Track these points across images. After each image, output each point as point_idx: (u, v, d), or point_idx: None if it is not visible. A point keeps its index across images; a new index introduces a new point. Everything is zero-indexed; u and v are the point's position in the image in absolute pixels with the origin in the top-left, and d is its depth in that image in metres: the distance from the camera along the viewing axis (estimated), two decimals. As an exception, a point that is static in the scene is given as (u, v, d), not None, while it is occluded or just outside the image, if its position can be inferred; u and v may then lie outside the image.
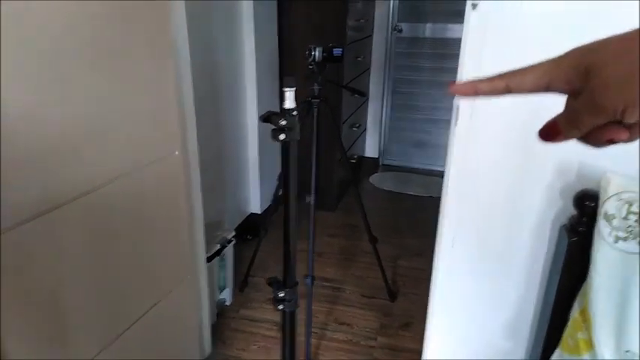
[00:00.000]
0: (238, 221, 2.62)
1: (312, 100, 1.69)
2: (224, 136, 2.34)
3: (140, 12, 1.14)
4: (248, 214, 2.73)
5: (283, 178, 0.74)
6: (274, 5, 2.60)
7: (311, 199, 1.69)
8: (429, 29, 3.42)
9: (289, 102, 0.70)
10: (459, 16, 3.53)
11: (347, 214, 2.98)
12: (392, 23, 3.46)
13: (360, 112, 3.39)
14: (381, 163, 3.79)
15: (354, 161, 3.30)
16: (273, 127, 0.69)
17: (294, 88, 0.70)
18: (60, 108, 0.95)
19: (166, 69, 1.27)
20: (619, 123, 0.31)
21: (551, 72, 0.33)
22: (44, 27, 0.89)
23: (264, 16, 2.49)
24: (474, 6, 1.14)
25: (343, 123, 2.92)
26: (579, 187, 1.02)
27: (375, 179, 3.53)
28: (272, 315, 2.02)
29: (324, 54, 1.61)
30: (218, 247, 1.88)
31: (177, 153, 1.36)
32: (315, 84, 1.68)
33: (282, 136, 0.70)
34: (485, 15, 1.19)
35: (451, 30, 3.34)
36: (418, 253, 2.50)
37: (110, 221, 1.16)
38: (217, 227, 2.05)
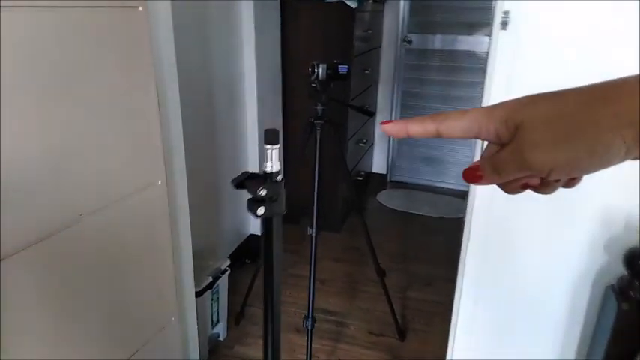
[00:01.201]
0: (236, 243, 2.46)
1: (315, 122, 1.53)
2: (221, 153, 2.18)
3: (115, 29, 0.99)
4: (247, 235, 2.57)
5: (265, 263, 0.57)
6: (277, 15, 2.45)
7: (312, 230, 1.52)
8: (438, 41, 3.27)
9: (273, 164, 0.52)
10: (470, 28, 3.31)
11: (353, 235, 2.81)
12: (401, 34, 3.31)
13: (368, 127, 3.23)
14: (389, 180, 3.62)
15: (360, 179, 3.13)
16: (250, 196, 0.52)
17: (277, 146, 0.53)
18: (24, 138, 0.82)
19: (148, 92, 1.12)
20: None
21: (480, 121, 0.33)
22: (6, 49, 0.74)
23: (267, 25, 2.34)
24: (504, 25, 0.98)
25: (350, 139, 2.76)
26: (628, 242, 0.85)
27: (382, 197, 3.36)
28: (269, 353, 1.84)
29: (329, 71, 1.45)
30: (210, 279, 1.72)
31: (160, 182, 1.20)
32: (319, 104, 1.52)
33: (260, 211, 0.52)
34: (515, 35, 1.03)
35: (462, 42, 3.18)
36: (428, 282, 2.32)
37: (83, 260, 1.01)
38: (210, 255, 1.89)
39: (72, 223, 0.96)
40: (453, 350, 1.21)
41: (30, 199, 0.87)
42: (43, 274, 0.92)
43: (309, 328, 1.51)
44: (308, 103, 1.55)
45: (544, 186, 0.35)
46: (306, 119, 1.56)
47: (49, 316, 0.95)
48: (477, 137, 0.34)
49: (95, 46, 0.95)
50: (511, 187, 0.35)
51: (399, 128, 0.36)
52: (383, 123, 0.37)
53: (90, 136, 0.97)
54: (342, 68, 1.46)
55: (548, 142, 0.29)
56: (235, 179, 0.53)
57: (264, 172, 0.53)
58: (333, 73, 1.46)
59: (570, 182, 0.34)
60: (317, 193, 1.53)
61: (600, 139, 0.28)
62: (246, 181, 0.52)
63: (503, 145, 0.33)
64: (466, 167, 0.35)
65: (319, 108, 1.51)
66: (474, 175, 0.34)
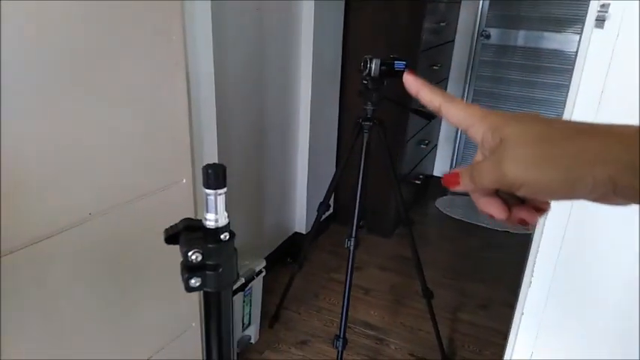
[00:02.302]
0: (279, 241, 2.37)
1: (363, 123, 1.37)
2: (270, 150, 2.08)
3: (140, 16, 0.89)
4: (292, 233, 2.47)
5: (206, 348, 0.42)
6: (339, 11, 2.29)
7: (350, 243, 1.37)
8: (521, 37, 2.95)
9: (217, 216, 0.38)
10: (558, 25, 2.93)
11: (403, 242, 2.60)
12: (479, 28, 3.03)
13: (431, 128, 3.00)
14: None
15: (418, 182, 2.92)
16: (181, 261, 0.39)
17: (223, 190, 0.38)
18: (45, 135, 0.77)
19: (176, 86, 1.02)
20: (534, 207, 0.35)
21: (475, 120, 0.34)
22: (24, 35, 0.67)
23: (329, 14, 2.19)
24: (600, 23, 0.77)
25: (409, 140, 2.56)
26: None
27: (441, 203, 3.13)
28: (299, 363, 1.74)
29: (383, 67, 1.28)
30: (242, 280, 1.63)
31: (184, 181, 1.11)
32: (369, 103, 1.36)
33: (194, 282, 0.38)
34: (613, 34, 0.82)
35: (548, 39, 2.85)
36: (484, 304, 2.09)
37: (101, 259, 0.95)
38: (248, 254, 1.80)
39: (80, 221, 0.89)
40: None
41: (40, 196, 0.81)
42: (56, 271, 0.86)
43: (340, 349, 1.37)
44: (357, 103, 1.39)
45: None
46: (354, 119, 1.40)
47: (63, 314, 0.89)
48: (465, 131, 0.35)
49: (117, 34, 0.86)
50: (510, 219, 0.35)
51: (415, 84, 0.38)
52: (408, 72, 0.39)
53: (106, 129, 0.89)
54: (399, 64, 1.29)
55: (528, 159, 0.31)
56: (170, 228, 0.40)
57: (203, 228, 0.38)
58: (387, 70, 1.29)
59: (538, 211, 0.35)
60: (359, 202, 1.38)
61: (574, 169, 0.30)
62: (181, 234, 0.39)
63: (484, 153, 0.34)
64: (447, 172, 0.36)
65: (369, 108, 1.35)
66: (452, 180, 0.35)
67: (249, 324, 1.77)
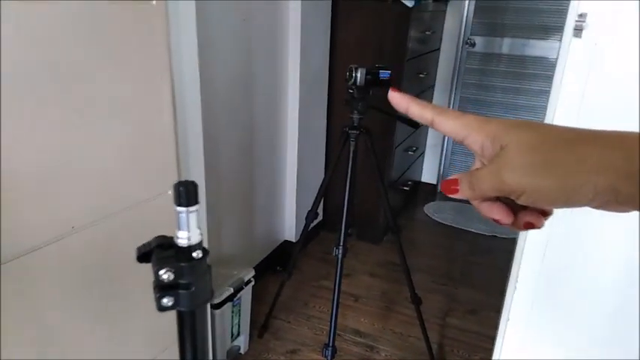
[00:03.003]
0: (270, 249, 2.36)
1: (350, 132, 1.38)
2: (258, 157, 2.09)
3: (123, 23, 0.89)
4: (281, 241, 2.47)
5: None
6: (326, 16, 2.31)
7: (338, 251, 1.38)
8: (506, 44, 3.00)
9: (190, 234, 0.38)
10: (543, 32, 2.98)
11: (393, 249, 2.62)
12: (464, 36, 3.07)
13: (418, 134, 3.02)
14: (439, 190, 3.39)
15: (406, 188, 2.94)
16: (153, 280, 0.38)
17: (196, 207, 0.39)
18: (26, 147, 0.76)
19: (161, 95, 1.02)
20: (539, 211, 0.34)
21: (471, 130, 0.34)
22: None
23: (314, 27, 2.21)
24: (578, 32, 0.79)
25: (397, 147, 2.58)
26: None
27: (430, 209, 3.15)
28: (289, 373, 1.73)
29: (368, 77, 1.29)
30: (231, 290, 1.62)
31: (170, 192, 1.11)
32: (355, 112, 1.37)
33: (166, 301, 0.37)
34: (591, 43, 0.84)
35: (533, 47, 2.90)
36: (472, 309, 2.11)
37: (86, 272, 0.94)
38: (237, 263, 1.80)
39: (64, 235, 0.88)
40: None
41: (22, 209, 0.80)
42: (40, 285, 0.85)
43: (329, 358, 1.37)
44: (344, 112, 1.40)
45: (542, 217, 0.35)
46: (341, 128, 1.41)
47: (49, 328, 0.88)
48: (462, 142, 0.35)
49: (99, 42, 0.86)
50: (515, 223, 0.35)
51: (402, 101, 0.37)
52: (392, 89, 0.38)
53: (89, 140, 0.89)
54: (384, 74, 1.30)
55: (527, 166, 0.31)
56: (142, 247, 0.40)
57: (175, 246, 0.38)
58: (373, 79, 1.30)
59: (544, 215, 0.35)
60: (347, 210, 1.38)
61: (574, 177, 0.29)
62: (153, 252, 0.39)
63: (482, 161, 0.35)
64: (445, 179, 0.36)
65: (355, 117, 1.36)
66: (450, 188, 0.35)
67: (239, 334, 1.76)
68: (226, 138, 1.82)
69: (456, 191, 0.35)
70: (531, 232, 0.99)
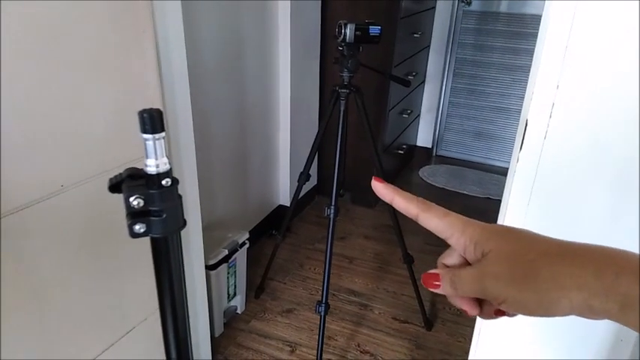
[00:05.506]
0: (265, 214, 2.38)
1: (340, 91, 1.36)
2: (251, 121, 2.07)
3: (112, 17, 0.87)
4: (276, 206, 2.48)
5: (158, 292, 0.43)
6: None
7: (330, 211, 1.38)
8: (504, 2, 2.93)
9: (157, 161, 0.38)
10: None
11: (387, 212, 2.65)
12: (459, -6, 2.99)
13: (414, 96, 2.99)
14: (434, 154, 3.39)
15: (401, 152, 2.94)
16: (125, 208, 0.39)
17: (162, 134, 0.38)
18: (12, 106, 0.73)
19: (144, 48, 1.00)
20: None
21: (455, 231, 0.35)
22: None
23: (305, -17, 2.15)
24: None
25: (391, 109, 2.56)
26: None
27: (425, 172, 3.15)
28: (285, 331, 1.77)
29: (357, 33, 1.27)
30: (226, 252, 1.64)
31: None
32: (345, 70, 1.35)
33: (138, 227, 0.38)
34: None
35: (531, 5, 2.83)
36: (465, 268, 2.14)
37: (77, 231, 0.95)
38: (232, 226, 1.81)
39: (53, 193, 0.88)
40: (477, 349, 1.06)
41: (9, 168, 0.79)
42: (31, 244, 0.85)
43: (322, 314, 1.40)
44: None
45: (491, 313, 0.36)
46: (330, 87, 1.40)
47: (41, 288, 0.89)
48: (446, 240, 0.36)
49: (89, 39, 0.84)
50: (486, 313, 0.36)
51: (387, 192, 0.37)
52: (375, 178, 0.38)
53: (76, 101, 0.88)
54: (374, 29, 1.28)
55: (508, 277, 0.31)
56: (113, 178, 0.40)
57: (145, 175, 0.38)
58: (362, 35, 1.27)
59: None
60: (338, 170, 1.38)
61: (550, 292, 0.30)
62: (123, 182, 0.39)
63: (465, 261, 0.35)
64: (427, 272, 0.36)
65: (345, 75, 1.34)
66: (432, 283, 0.35)
67: (235, 295, 1.80)
68: (217, 101, 1.80)
69: (438, 287, 0.35)
70: (514, 194, 0.97)
